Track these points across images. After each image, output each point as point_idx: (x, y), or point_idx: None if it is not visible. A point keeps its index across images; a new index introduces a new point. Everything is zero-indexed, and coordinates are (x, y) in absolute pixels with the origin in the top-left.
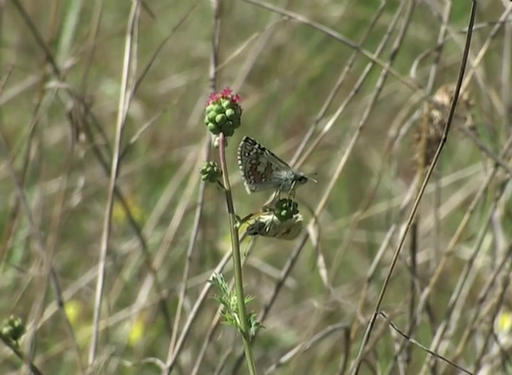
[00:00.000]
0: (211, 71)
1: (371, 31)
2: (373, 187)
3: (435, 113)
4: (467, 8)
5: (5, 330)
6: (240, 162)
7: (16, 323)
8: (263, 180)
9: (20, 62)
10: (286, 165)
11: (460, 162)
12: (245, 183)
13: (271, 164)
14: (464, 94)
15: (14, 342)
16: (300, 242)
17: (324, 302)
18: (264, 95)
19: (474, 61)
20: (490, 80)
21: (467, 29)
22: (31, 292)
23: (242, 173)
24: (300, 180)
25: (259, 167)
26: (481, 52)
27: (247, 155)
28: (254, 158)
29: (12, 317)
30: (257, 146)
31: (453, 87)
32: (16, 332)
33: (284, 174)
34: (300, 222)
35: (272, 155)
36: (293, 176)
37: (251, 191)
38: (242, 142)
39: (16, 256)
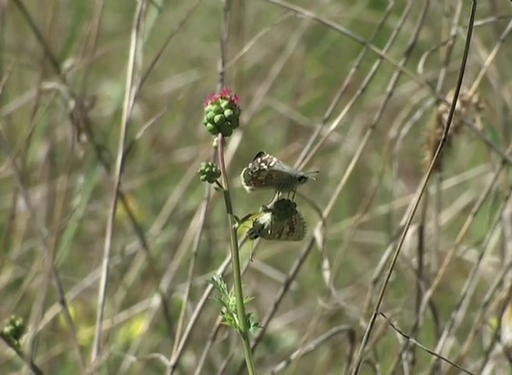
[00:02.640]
0: (219, 66)
1: (378, 33)
2: (374, 188)
3: (446, 116)
4: (478, 8)
5: (6, 329)
6: (242, 178)
7: (17, 323)
8: (263, 184)
9: (21, 62)
10: (285, 169)
11: (462, 164)
12: (245, 187)
13: (271, 174)
14: (473, 97)
15: (15, 342)
16: (307, 244)
17: (326, 303)
18: (267, 96)
19: (486, 63)
20: (504, 82)
21: (478, 22)
22: (33, 292)
23: (243, 181)
24: (299, 179)
25: (260, 177)
26: (491, 56)
27: (249, 173)
28: (255, 174)
29: (13, 316)
30: (267, 157)
31: (464, 90)
32: (17, 331)
33: (283, 177)
34: (302, 219)
35: (277, 162)
36: (292, 177)
37: (251, 190)
38: (253, 161)
39: (18, 255)
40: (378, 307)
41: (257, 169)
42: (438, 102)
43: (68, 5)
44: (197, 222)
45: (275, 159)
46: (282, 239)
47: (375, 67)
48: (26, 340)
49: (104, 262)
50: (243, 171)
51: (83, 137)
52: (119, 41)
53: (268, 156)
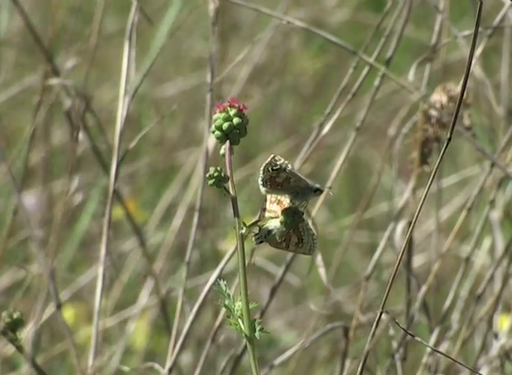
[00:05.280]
0: (208, 78)
1: (373, 31)
2: (373, 186)
3: (433, 112)
4: (467, 8)
5: (4, 322)
6: (261, 174)
7: (15, 316)
8: (279, 187)
9: (20, 61)
10: (303, 177)
11: (462, 162)
12: (261, 187)
13: (289, 177)
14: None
15: (13, 336)
16: None
17: (322, 304)
18: (263, 95)
19: (472, 60)
20: (489, 80)
21: (466, 32)
22: (32, 292)
23: (260, 182)
24: (315, 191)
25: (278, 179)
26: (478, 52)
27: (269, 170)
28: (275, 173)
29: (10, 309)
30: (281, 162)
31: (451, 86)
32: (15, 324)
33: (300, 185)
34: (311, 230)
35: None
36: (308, 187)
37: (266, 192)
38: (267, 163)
39: (17, 256)
40: (383, 306)
41: (278, 167)
42: (426, 101)
43: (67, 4)
44: (193, 224)
45: (290, 165)
46: (291, 250)
47: (364, 72)
48: (26, 338)
49: (100, 269)
50: (261, 167)
51: (80, 136)
52: (118, 40)
53: (284, 160)
